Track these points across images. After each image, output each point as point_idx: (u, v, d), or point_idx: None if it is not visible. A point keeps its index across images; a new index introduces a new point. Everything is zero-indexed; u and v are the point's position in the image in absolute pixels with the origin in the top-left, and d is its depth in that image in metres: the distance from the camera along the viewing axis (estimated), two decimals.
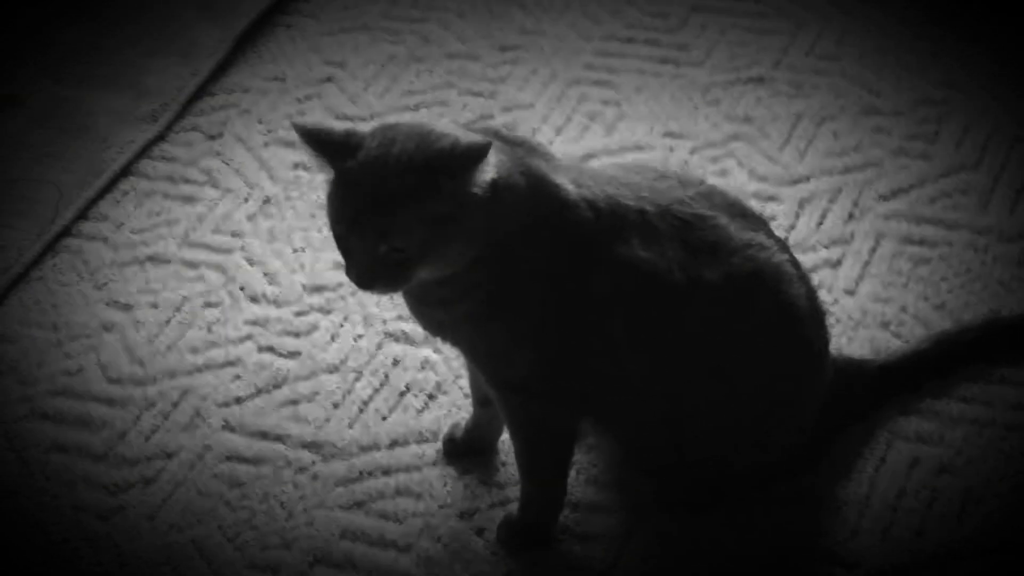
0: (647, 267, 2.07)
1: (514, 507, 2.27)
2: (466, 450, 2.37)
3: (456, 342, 2.17)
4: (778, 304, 2.13)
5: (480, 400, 2.33)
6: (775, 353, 2.15)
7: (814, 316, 2.19)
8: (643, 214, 2.08)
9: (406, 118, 2.93)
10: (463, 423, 2.37)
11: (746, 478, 2.24)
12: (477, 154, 1.94)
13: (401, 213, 1.95)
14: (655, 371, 2.11)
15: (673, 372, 2.12)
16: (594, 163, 2.75)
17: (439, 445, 2.38)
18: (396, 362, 2.51)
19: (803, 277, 2.19)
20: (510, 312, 2.07)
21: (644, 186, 2.12)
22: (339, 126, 2.00)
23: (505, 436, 2.35)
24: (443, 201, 1.96)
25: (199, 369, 2.53)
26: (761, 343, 2.13)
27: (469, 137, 1.98)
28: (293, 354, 2.55)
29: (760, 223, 2.19)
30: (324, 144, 1.99)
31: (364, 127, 2.92)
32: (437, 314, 2.10)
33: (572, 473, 2.31)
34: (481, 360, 2.15)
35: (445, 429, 2.39)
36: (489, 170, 1.96)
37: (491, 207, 1.99)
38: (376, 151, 1.98)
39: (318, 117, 2.96)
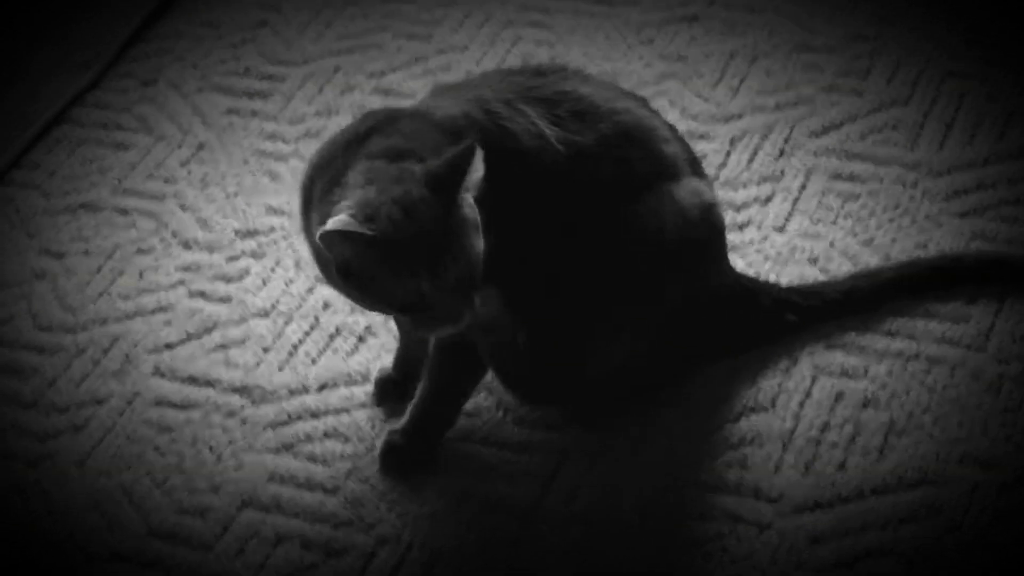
0: (534, 151, 2.14)
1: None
2: (400, 381, 2.37)
3: None
4: (653, 160, 2.20)
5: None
6: (661, 216, 2.19)
7: (695, 170, 2.26)
8: (509, 104, 2.15)
9: (340, 61, 2.93)
10: (389, 366, 2.38)
11: (646, 379, 2.29)
12: (469, 156, 1.99)
13: (461, 240, 1.99)
14: (566, 260, 2.15)
15: (575, 257, 2.15)
16: None
17: (368, 387, 2.39)
18: (327, 305, 2.51)
19: (681, 139, 2.28)
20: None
21: (494, 84, 2.19)
22: (348, 220, 1.97)
23: None
24: (468, 208, 2.01)
25: (130, 316, 2.53)
26: (644, 207, 2.18)
27: (449, 150, 2.02)
28: (224, 299, 2.55)
29: (635, 98, 2.27)
30: (358, 235, 1.96)
31: (298, 72, 2.93)
32: None
33: (499, 414, 2.33)
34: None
35: (375, 373, 2.40)
36: (479, 167, 2.01)
37: None
38: (399, 211, 1.97)
39: (252, 62, 2.96)
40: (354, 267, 2.00)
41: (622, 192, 2.19)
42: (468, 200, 2.02)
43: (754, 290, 2.37)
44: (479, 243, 2.02)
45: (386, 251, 1.98)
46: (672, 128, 2.30)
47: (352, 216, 1.97)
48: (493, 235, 2.05)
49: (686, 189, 2.23)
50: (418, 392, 2.28)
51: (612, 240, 2.18)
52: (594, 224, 2.17)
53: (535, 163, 2.15)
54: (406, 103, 2.82)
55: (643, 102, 2.30)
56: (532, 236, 2.13)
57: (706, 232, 2.24)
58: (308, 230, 2.13)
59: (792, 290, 2.40)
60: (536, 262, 2.14)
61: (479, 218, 2.03)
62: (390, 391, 2.38)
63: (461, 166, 2.00)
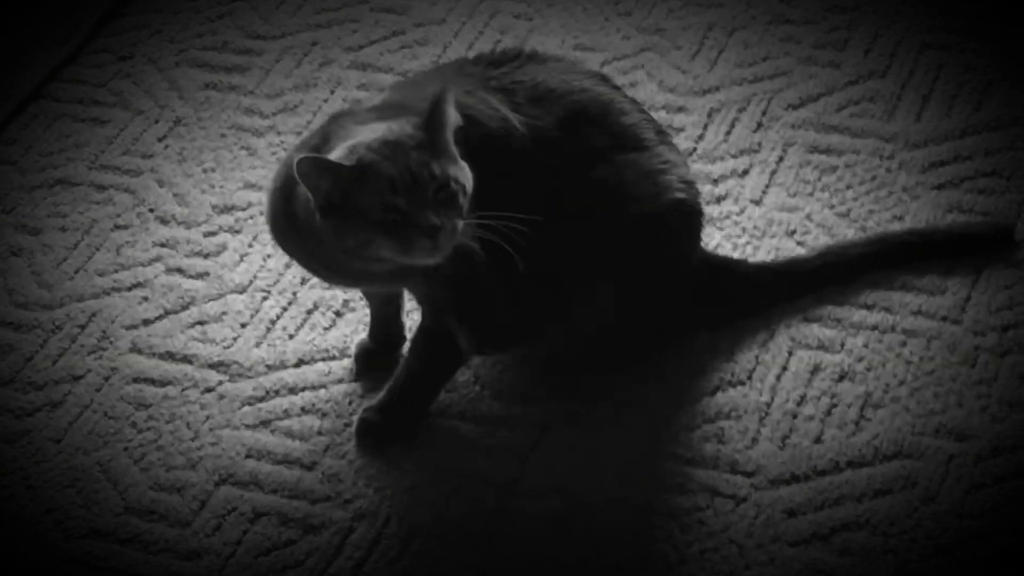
0: (501, 133, 2.18)
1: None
2: (377, 350, 2.38)
3: (404, 286, 2.25)
4: (611, 134, 2.23)
5: (383, 300, 2.37)
6: (625, 187, 2.21)
7: (662, 140, 2.29)
8: (470, 94, 2.19)
9: (318, 35, 2.93)
10: (366, 337, 2.39)
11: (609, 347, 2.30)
12: (444, 95, 2.06)
13: (441, 163, 2.05)
14: (538, 232, 2.14)
15: (547, 230, 2.15)
16: None
17: (346, 363, 2.39)
18: (304, 281, 2.51)
19: (643, 110, 2.30)
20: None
21: (452, 77, 2.23)
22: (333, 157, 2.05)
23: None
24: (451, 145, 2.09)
25: (107, 292, 2.53)
26: (607, 178, 2.20)
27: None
28: (202, 275, 2.54)
29: (593, 75, 2.30)
30: (334, 168, 2.03)
31: (275, 46, 2.92)
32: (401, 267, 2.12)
33: (477, 388, 2.33)
34: (435, 287, 2.19)
35: (354, 346, 2.39)
36: (455, 112, 2.10)
37: None
38: (380, 142, 2.04)
39: (230, 36, 2.95)
40: (334, 196, 2.03)
41: (585, 167, 2.20)
42: (450, 139, 2.07)
43: (724, 267, 2.37)
44: (463, 174, 2.06)
45: (363, 173, 2.02)
46: (633, 101, 2.31)
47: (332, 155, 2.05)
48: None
49: (653, 158, 2.24)
50: (397, 370, 2.29)
51: (581, 213, 2.18)
52: (562, 199, 2.17)
53: (503, 146, 2.16)
54: (384, 77, 2.82)
55: (601, 78, 2.31)
56: (503, 211, 2.13)
57: (675, 202, 2.24)
58: (290, 230, 2.15)
59: (762, 267, 2.40)
60: (509, 235, 2.15)
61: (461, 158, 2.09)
62: (368, 361, 2.38)
63: (441, 105, 2.05)
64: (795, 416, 2.26)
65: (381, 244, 2.04)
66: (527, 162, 2.18)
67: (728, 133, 2.66)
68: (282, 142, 2.73)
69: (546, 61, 2.30)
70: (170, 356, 2.43)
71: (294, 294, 2.50)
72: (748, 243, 2.49)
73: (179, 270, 2.55)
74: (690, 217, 2.27)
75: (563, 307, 2.23)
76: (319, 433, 2.30)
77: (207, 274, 2.54)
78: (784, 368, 2.32)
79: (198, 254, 2.57)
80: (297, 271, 2.51)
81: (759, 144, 2.64)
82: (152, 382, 2.39)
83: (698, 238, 2.31)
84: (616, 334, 2.26)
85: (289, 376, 2.38)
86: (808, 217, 2.51)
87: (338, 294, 2.48)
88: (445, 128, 2.06)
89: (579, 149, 2.21)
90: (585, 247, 2.19)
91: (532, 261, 2.16)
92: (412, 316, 2.39)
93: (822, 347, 2.33)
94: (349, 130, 2.11)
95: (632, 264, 2.23)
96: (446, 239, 2.04)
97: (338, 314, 2.46)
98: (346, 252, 2.07)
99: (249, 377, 2.38)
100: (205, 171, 2.71)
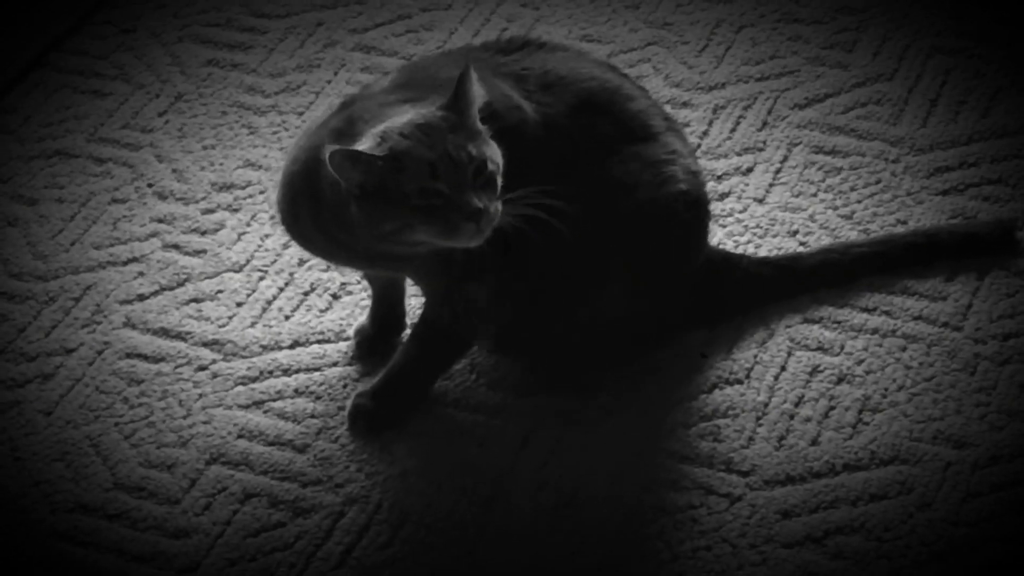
0: (516, 124, 2.15)
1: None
2: (376, 335, 2.36)
3: (407, 269, 2.23)
4: (619, 122, 2.22)
5: (385, 284, 2.35)
6: (634, 177, 2.20)
7: (669, 125, 2.28)
8: (484, 80, 2.16)
9: (323, 15, 2.91)
10: (366, 321, 2.37)
11: (615, 334, 2.27)
12: (467, 74, 2.05)
13: (475, 144, 2.04)
14: (546, 223, 2.13)
15: (556, 219, 2.13)
16: None
17: (341, 346, 2.37)
18: (302, 262, 2.49)
19: (649, 96, 2.29)
20: None
21: (459, 63, 2.17)
22: (364, 147, 2.03)
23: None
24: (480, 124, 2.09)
25: (102, 265, 2.51)
26: (617, 168, 2.19)
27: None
28: (198, 252, 2.52)
29: (600, 63, 2.29)
30: (368, 159, 2.01)
31: (279, 25, 2.89)
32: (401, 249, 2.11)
33: (472, 377, 2.32)
34: (439, 275, 2.18)
35: (354, 327, 2.37)
36: (479, 89, 2.10)
37: None
38: (412, 127, 2.03)
39: (234, 13, 2.93)
40: (368, 184, 2.02)
41: (593, 157, 2.19)
42: (477, 117, 2.06)
43: (726, 261, 2.36)
44: (496, 154, 2.05)
45: (398, 160, 2.01)
46: (640, 87, 2.30)
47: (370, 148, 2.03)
48: None
49: (659, 148, 2.22)
50: (394, 357, 2.27)
51: (588, 202, 2.16)
52: (571, 187, 2.15)
53: (517, 133, 2.14)
54: (388, 60, 2.80)
55: (609, 66, 2.29)
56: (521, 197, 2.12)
57: (679, 193, 2.23)
58: (307, 214, 2.15)
59: (764, 262, 2.38)
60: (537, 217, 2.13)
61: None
62: (366, 345, 2.37)
63: (465, 84, 2.04)
64: (792, 417, 2.24)
65: (420, 229, 2.03)
66: (540, 149, 2.16)
67: (733, 130, 2.65)
68: (283, 122, 2.71)
69: (554, 49, 2.28)
70: (164, 332, 2.41)
71: (291, 275, 2.48)
72: (750, 241, 2.47)
73: (176, 246, 2.53)
74: (695, 208, 2.25)
75: (568, 296, 2.21)
76: (312, 416, 2.29)
77: (204, 251, 2.52)
78: (783, 368, 2.30)
79: (195, 231, 2.55)
80: (295, 252, 2.49)
81: (764, 143, 2.63)
82: (145, 358, 2.37)
83: (705, 229, 2.29)
84: (618, 326, 2.25)
85: (284, 357, 2.36)
86: (811, 218, 2.50)
87: (336, 276, 2.46)
88: (472, 107, 2.05)
89: (588, 138, 2.20)
90: (591, 237, 2.17)
91: (539, 251, 2.14)
92: (411, 302, 2.37)
93: (821, 349, 2.32)
94: (375, 113, 2.08)
95: (637, 255, 2.21)
96: (488, 221, 2.03)
97: (335, 297, 2.44)
98: (380, 237, 2.05)
99: (243, 357, 2.37)
100: (205, 148, 2.69)
